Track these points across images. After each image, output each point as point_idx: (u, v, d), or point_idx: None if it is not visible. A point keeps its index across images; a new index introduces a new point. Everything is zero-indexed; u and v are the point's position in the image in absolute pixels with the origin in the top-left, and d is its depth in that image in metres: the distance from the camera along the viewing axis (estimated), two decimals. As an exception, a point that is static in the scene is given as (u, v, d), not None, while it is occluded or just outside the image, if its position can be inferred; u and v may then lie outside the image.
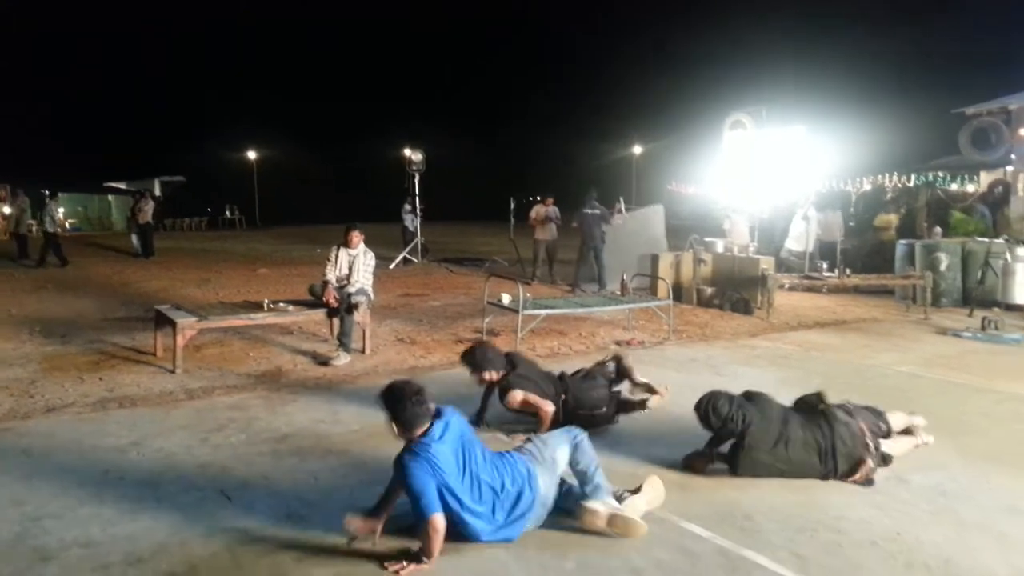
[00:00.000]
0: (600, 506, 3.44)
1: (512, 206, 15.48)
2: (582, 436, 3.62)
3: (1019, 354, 7.59)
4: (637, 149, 41.57)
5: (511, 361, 4.90)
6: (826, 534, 3.49)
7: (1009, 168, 12.64)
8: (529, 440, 3.67)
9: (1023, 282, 8.51)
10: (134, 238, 17.39)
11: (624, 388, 5.29)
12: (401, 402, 3.33)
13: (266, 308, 6.82)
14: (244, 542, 3.33)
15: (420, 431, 3.31)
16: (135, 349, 7.17)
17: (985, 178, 15.53)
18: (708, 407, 4.13)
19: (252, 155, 38.27)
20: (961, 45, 29.56)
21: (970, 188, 16.65)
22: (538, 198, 14.05)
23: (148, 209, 17.52)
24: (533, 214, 13.61)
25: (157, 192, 28.33)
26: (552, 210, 13.37)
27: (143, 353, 6.98)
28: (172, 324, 6.43)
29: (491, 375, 4.81)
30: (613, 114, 40.61)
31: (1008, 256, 8.60)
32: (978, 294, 9.38)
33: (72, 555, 3.21)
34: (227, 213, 32.63)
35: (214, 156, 37.84)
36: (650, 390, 5.28)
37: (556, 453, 3.53)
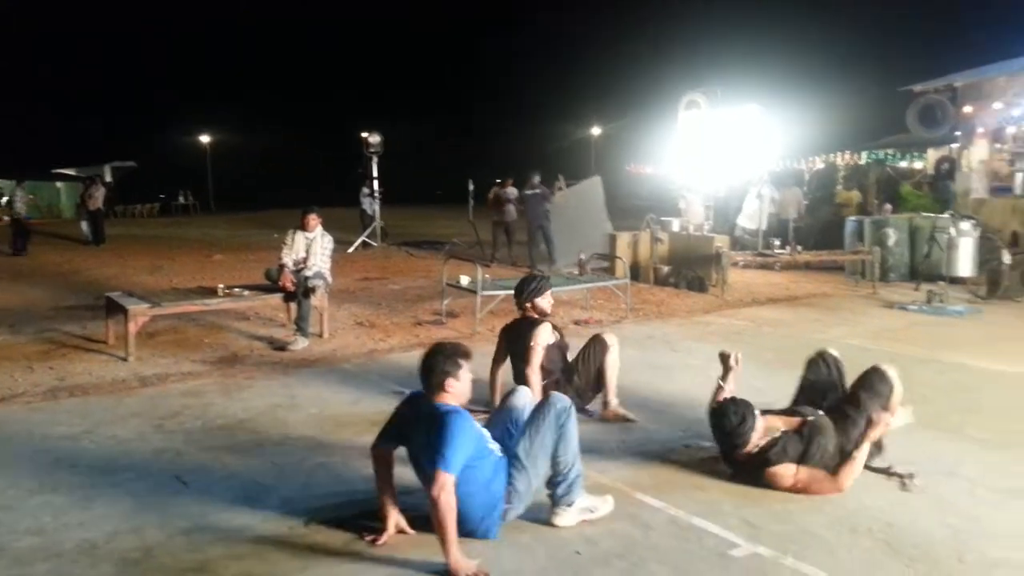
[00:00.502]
0: (569, 520, 3.32)
1: (471, 188, 15.44)
2: (568, 419, 3.34)
3: (962, 325, 7.85)
4: (596, 130, 41.71)
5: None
6: (773, 502, 3.59)
7: (954, 145, 12.96)
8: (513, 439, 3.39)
9: (967, 256, 8.76)
10: (84, 225, 16.99)
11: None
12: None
13: (220, 293, 6.75)
14: (200, 526, 3.32)
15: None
16: (86, 338, 7.04)
17: (932, 155, 15.94)
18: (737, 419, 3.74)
19: (205, 139, 37.52)
20: (910, 23, 30.14)
21: (918, 165, 17.07)
22: (497, 181, 14.08)
23: (99, 195, 17.13)
24: (491, 195, 13.64)
25: (108, 178, 27.61)
26: (510, 192, 13.41)
27: (95, 341, 6.86)
28: (124, 311, 6.32)
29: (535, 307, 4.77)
30: (572, 95, 40.65)
31: (952, 231, 8.85)
32: (924, 268, 9.65)
33: (24, 545, 3.17)
34: (180, 199, 32.01)
35: (166, 141, 37.06)
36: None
37: (539, 461, 3.29)
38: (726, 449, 3.85)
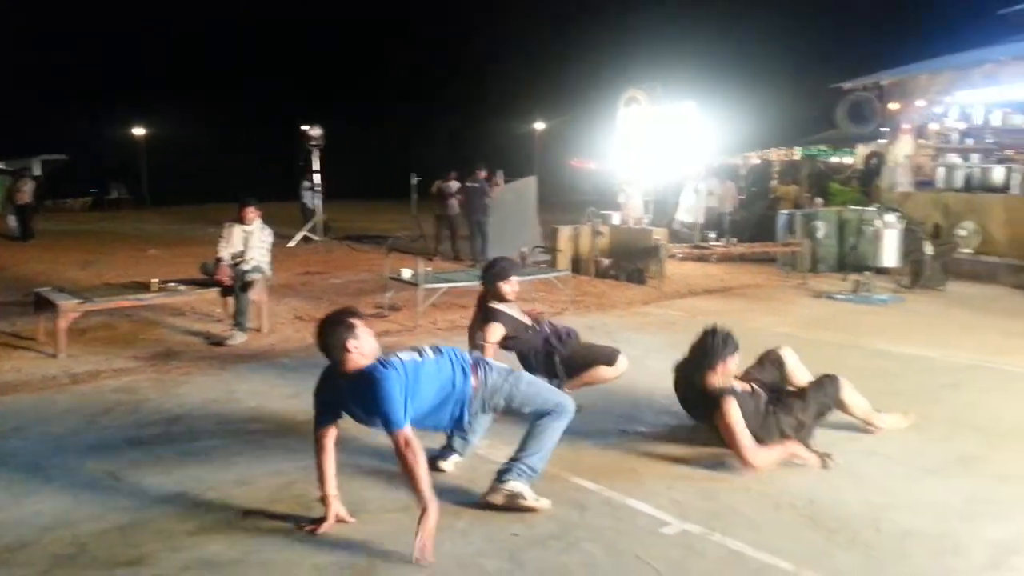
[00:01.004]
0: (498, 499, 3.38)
1: (414, 182, 15.39)
2: (560, 418, 3.46)
3: (885, 313, 8.20)
4: (540, 125, 41.89)
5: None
6: (703, 482, 3.74)
7: (882, 141, 13.45)
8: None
9: (891, 247, 9.14)
10: (12, 219, 16.38)
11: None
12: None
13: (154, 288, 6.62)
14: (135, 520, 3.29)
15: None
16: (15, 335, 6.83)
17: (862, 150, 16.52)
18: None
19: (139, 132, 36.43)
20: (841, 20, 31.09)
21: (848, 160, 17.68)
22: (455, 175, 14.12)
23: (27, 189, 16.52)
24: (434, 189, 13.66)
25: (37, 171, 26.60)
26: (453, 185, 13.44)
27: (24, 339, 6.66)
28: (53, 307, 6.16)
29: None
30: (516, 91, 40.67)
31: (878, 223, 9.22)
32: (852, 259, 10.02)
33: (-51, 544, 3.10)
34: (114, 193, 31.02)
35: (99, 133, 35.80)
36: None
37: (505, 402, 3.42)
38: (698, 371, 4.03)
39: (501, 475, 3.42)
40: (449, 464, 3.82)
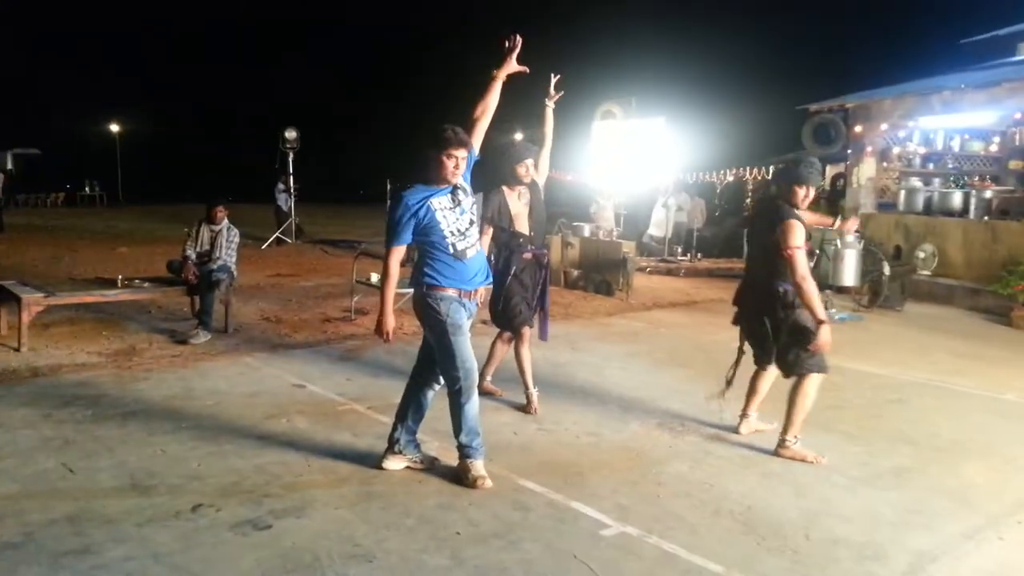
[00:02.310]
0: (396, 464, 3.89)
1: (389, 188, 15.47)
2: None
3: (843, 331, 8.36)
4: (519, 136, 42.17)
5: None
6: (647, 486, 3.85)
7: (848, 163, 13.73)
8: None
9: (851, 267, 9.33)
10: (-20, 213, 16.23)
11: None
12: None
13: (119, 285, 6.64)
14: (85, 511, 3.34)
15: None
16: (-24, 328, 6.81)
17: (829, 171, 16.82)
18: None
19: (115, 128, 36.14)
20: (810, 45, 31.67)
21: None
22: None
23: (-3, 183, 16.40)
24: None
25: (9, 165, 26.29)
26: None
27: (-15, 332, 6.64)
28: (17, 300, 6.16)
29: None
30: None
31: (838, 243, 9.42)
32: (814, 277, 10.20)
33: None
34: (87, 189, 30.71)
35: (74, 129, 35.46)
36: None
37: None
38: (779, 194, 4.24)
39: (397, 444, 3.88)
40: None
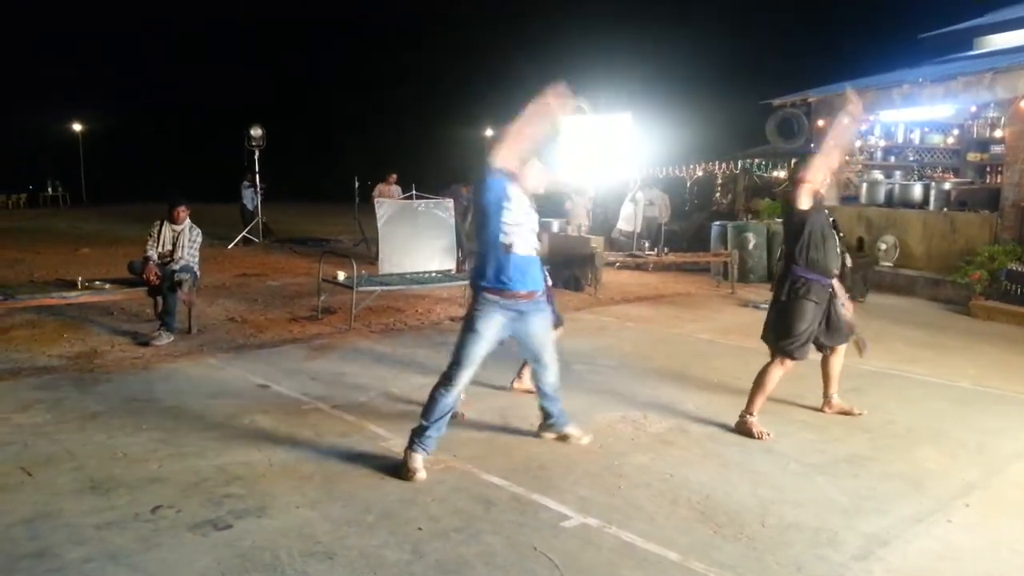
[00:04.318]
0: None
1: (357, 185, 15.38)
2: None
3: (806, 322, 8.52)
4: (489, 132, 42.11)
5: None
6: (609, 478, 3.90)
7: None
8: None
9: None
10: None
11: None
12: None
13: (80, 287, 6.56)
14: (43, 514, 3.31)
15: None
16: (-68, 332, 6.69)
17: (794, 165, 17.04)
18: None
19: (78, 127, 35.50)
20: (774, 41, 32.01)
21: (781, 174, 18.22)
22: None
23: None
24: (376, 192, 13.69)
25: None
26: (394, 189, 13.52)
27: (-59, 336, 6.53)
28: (-27, 304, 6.07)
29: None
30: (466, 96, 40.77)
31: (802, 235, 9.57)
32: (778, 270, 10.35)
33: None
34: (50, 190, 30.17)
35: (35, 128, 34.76)
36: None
37: None
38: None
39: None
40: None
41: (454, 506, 3.51)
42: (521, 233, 3.82)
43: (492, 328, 3.89)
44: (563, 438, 4.33)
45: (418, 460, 3.82)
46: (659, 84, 26.88)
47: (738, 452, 4.31)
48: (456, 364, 3.87)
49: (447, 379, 3.87)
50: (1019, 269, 8.75)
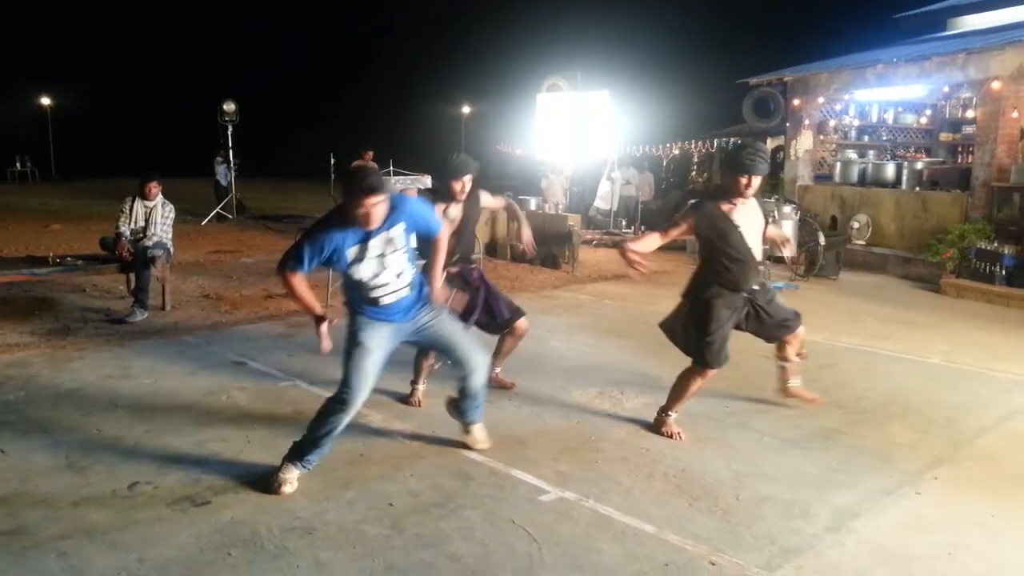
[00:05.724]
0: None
1: (333, 162, 15.23)
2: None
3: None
4: (466, 109, 41.83)
5: None
6: (586, 453, 3.94)
7: (786, 135, 14.01)
8: None
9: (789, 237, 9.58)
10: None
11: None
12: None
13: (51, 263, 6.46)
14: (18, 491, 3.29)
15: None
16: (-102, 309, 6.56)
17: (771, 144, 17.14)
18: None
19: (46, 101, 34.73)
20: (751, 20, 31.99)
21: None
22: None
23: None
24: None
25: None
26: (370, 166, 13.42)
27: (-92, 313, 6.41)
28: (-59, 281, 5.96)
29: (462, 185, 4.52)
30: (441, 72, 40.41)
31: (776, 214, 9.65)
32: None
33: None
34: (18, 165, 29.52)
35: (2, 102, 33.92)
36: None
37: None
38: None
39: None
40: None
41: (433, 481, 3.53)
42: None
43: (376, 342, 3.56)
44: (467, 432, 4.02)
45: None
46: (636, 63, 26.85)
47: (712, 428, 4.37)
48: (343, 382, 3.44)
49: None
50: (989, 248, 8.90)
